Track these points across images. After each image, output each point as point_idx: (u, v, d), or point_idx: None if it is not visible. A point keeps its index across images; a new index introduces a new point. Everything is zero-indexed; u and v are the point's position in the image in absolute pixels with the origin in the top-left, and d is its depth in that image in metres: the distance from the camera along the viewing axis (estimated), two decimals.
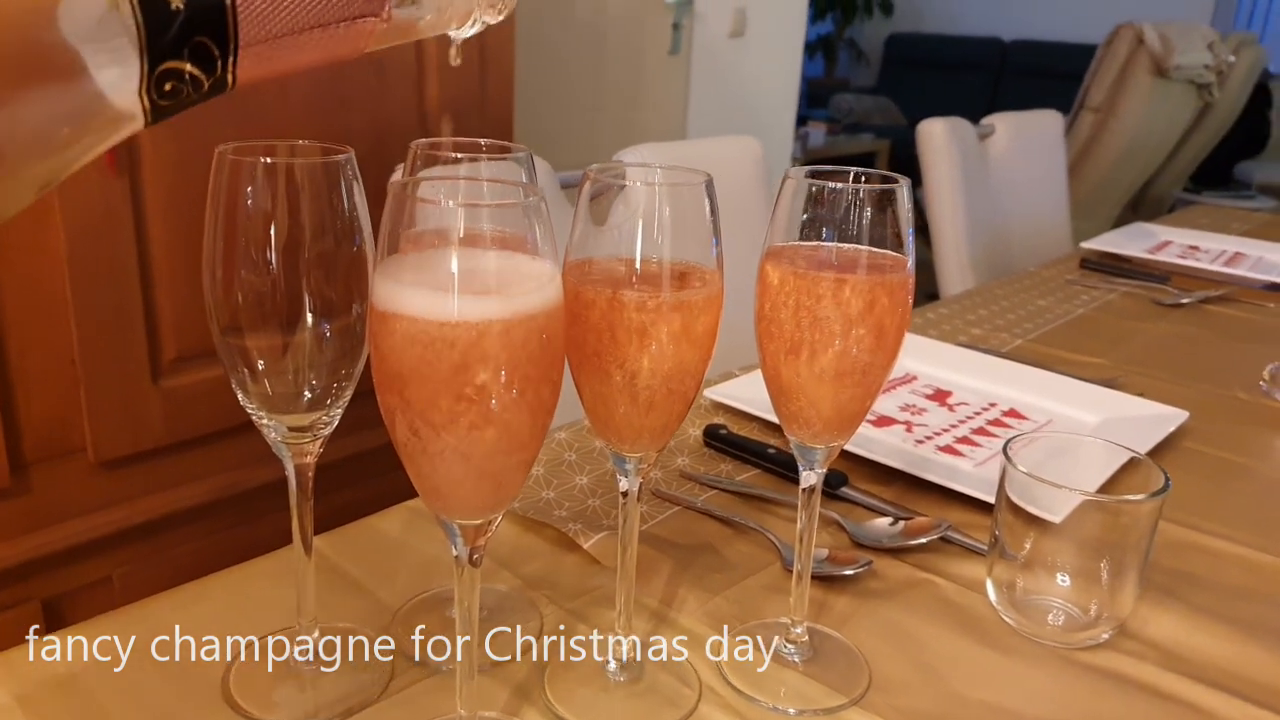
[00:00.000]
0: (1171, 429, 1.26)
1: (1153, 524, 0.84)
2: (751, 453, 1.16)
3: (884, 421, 1.28)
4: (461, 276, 0.56)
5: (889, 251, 0.70)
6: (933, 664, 0.83)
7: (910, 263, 0.70)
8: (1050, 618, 0.87)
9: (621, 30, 3.68)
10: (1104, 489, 0.90)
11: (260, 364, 0.68)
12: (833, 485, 1.11)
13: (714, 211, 0.67)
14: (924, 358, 1.48)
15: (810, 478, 0.77)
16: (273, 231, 0.65)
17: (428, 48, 1.65)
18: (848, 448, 1.17)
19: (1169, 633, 0.88)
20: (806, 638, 0.82)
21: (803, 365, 0.70)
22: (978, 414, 1.32)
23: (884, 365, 0.71)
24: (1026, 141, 2.65)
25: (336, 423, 0.72)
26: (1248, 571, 0.99)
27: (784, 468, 1.13)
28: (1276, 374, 1.49)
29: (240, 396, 0.70)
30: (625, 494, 0.73)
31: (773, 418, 1.23)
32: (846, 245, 0.71)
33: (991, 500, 1.05)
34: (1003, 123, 2.57)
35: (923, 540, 0.98)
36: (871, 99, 8.14)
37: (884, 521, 1.03)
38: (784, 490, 1.10)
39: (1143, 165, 4.86)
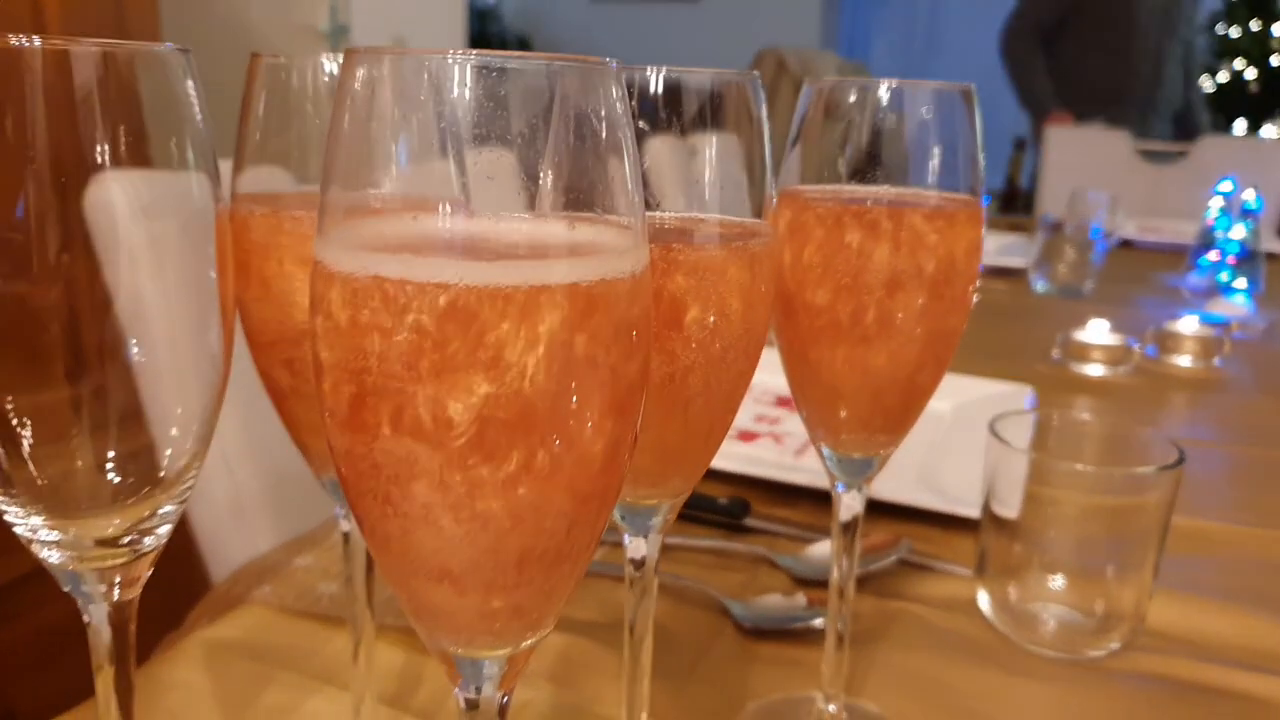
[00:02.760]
0: (1027, 405, 1.20)
1: (1168, 504, 0.72)
2: None
3: (748, 436, 1.11)
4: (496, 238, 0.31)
5: (951, 193, 0.53)
6: (967, 707, 0.66)
7: (983, 186, 0.53)
8: (1054, 626, 0.74)
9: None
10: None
11: (24, 428, 0.37)
12: (735, 515, 0.92)
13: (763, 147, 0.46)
14: None
15: (854, 504, 0.57)
16: (42, 175, 0.36)
17: None
18: (733, 469, 0.99)
19: (1177, 620, 0.77)
20: (846, 716, 0.62)
21: (873, 343, 0.51)
22: None
23: (960, 327, 0.53)
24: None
25: (177, 519, 0.42)
26: (1209, 541, 0.92)
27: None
28: (1066, 345, 1.50)
29: None
30: (638, 563, 0.50)
31: None
32: (884, 182, 0.52)
33: (916, 504, 0.92)
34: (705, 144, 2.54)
35: (890, 559, 0.82)
36: None
37: (825, 547, 0.85)
38: (691, 533, 0.89)
39: None
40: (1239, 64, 5.92)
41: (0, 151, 0.35)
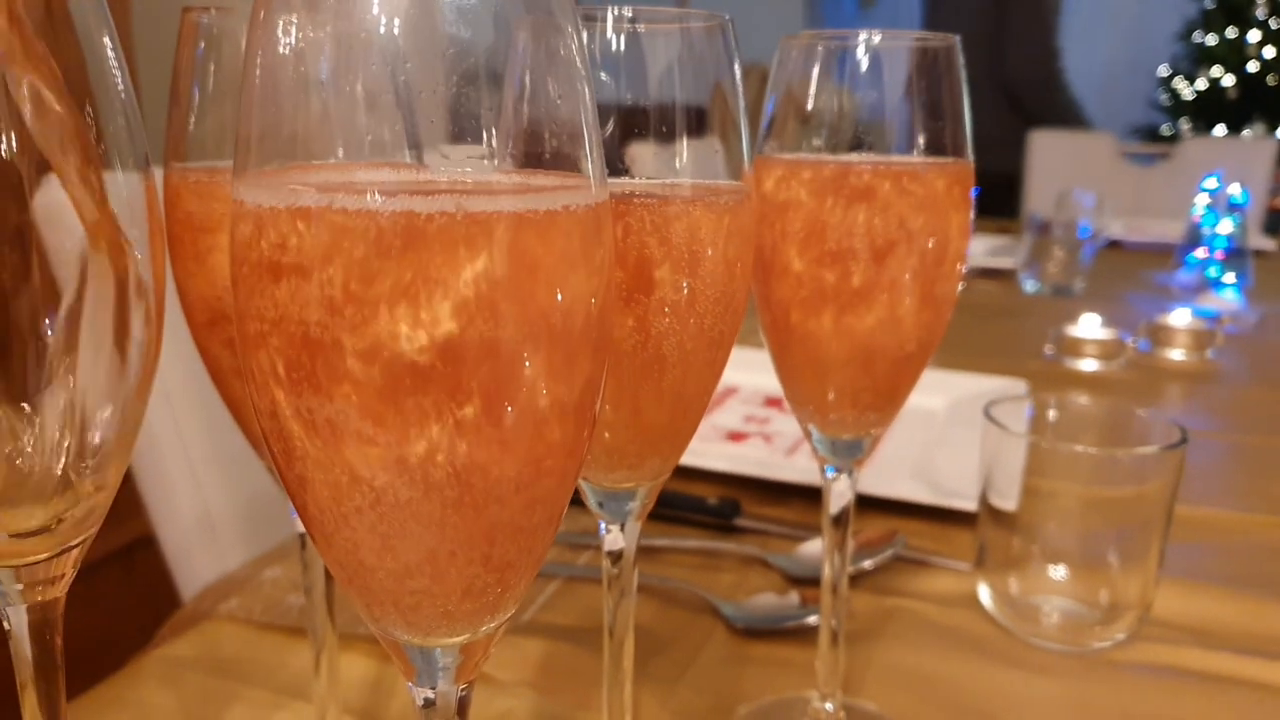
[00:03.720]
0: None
1: (1172, 488, 0.69)
2: None
3: (737, 436, 1.07)
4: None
5: (937, 152, 0.50)
6: (970, 704, 0.63)
7: (969, 144, 0.50)
8: (1058, 618, 0.70)
9: None
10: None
11: None
12: (725, 516, 0.88)
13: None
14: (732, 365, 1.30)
15: (844, 493, 0.54)
16: None
17: None
18: (723, 469, 0.96)
19: (1184, 608, 0.74)
20: (844, 714, 0.59)
21: (859, 310, 0.47)
22: None
23: (951, 295, 0.50)
24: None
25: (104, 511, 0.38)
26: (1212, 528, 0.89)
27: (664, 505, 0.89)
28: (1059, 341, 1.47)
29: None
30: (616, 556, 0.46)
31: None
32: (865, 142, 0.49)
33: (911, 499, 0.89)
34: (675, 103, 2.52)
35: (886, 554, 0.78)
36: None
37: (818, 545, 0.82)
38: (681, 534, 0.86)
39: None
40: (1216, 71, 5.95)
41: None
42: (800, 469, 0.96)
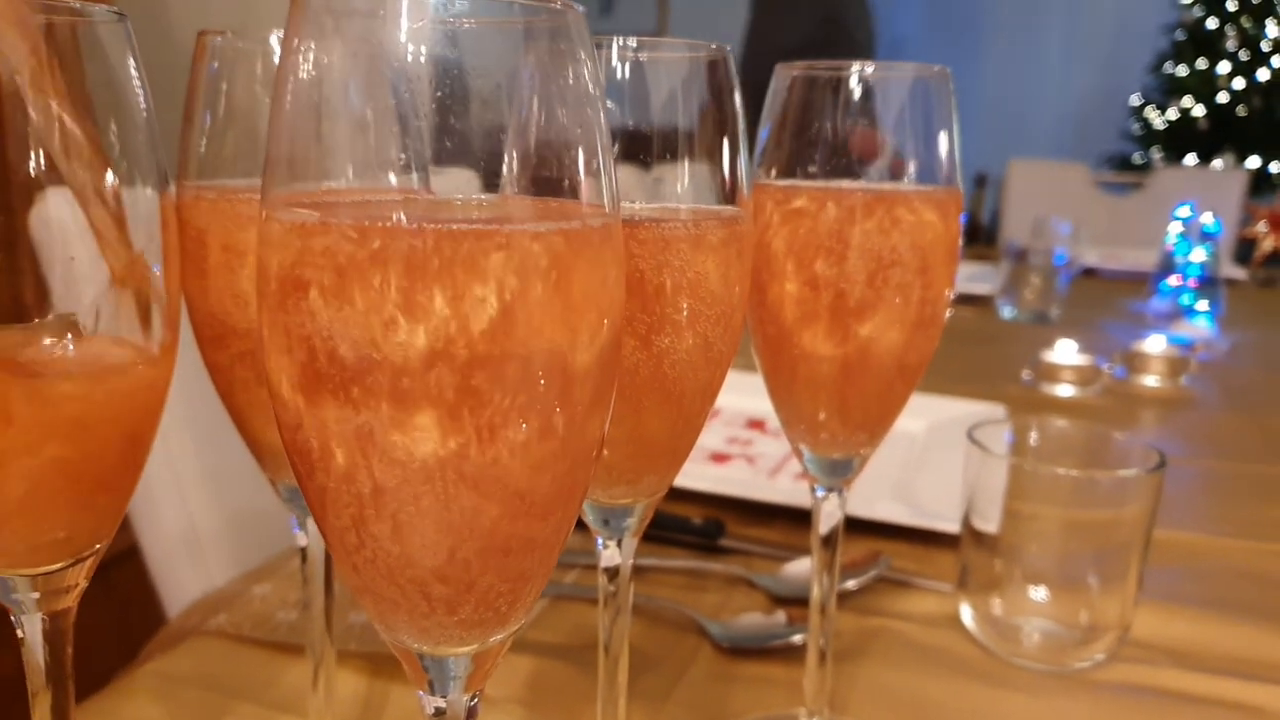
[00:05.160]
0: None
1: (1150, 511, 0.71)
2: None
3: (721, 458, 1.09)
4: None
5: (929, 180, 0.51)
6: None
7: (959, 172, 0.52)
8: (1038, 638, 0.72)
9: None
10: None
11: None
12: (710, 536, 0.89)
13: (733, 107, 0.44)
14: None
15: (834, 513, 0.55)
16: None
17: None
18: (706, 489, 0.97)
19: (1162, 630, 0.76)
20: None
21: (851, 332, 0.49)
22: None
23: (939, 319, 0.52)
24: None
25: (120, 517, 0.39)
26: (1189, 552, 0.91)
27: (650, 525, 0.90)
28: (1036, 366, 1.50)
29: None
30: (612, 573, 0.47)
31: None
32: (859, 168, 0.51)
33: (894, 520, 0.90)
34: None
35: (869, 575, 0.79)
36: None
37: (802, 565, 0.83)
38: (666, 554, 0.87)
39: None
40: (1187, 102, 6.06)
41: None
42: (783, 490, 0.98)
